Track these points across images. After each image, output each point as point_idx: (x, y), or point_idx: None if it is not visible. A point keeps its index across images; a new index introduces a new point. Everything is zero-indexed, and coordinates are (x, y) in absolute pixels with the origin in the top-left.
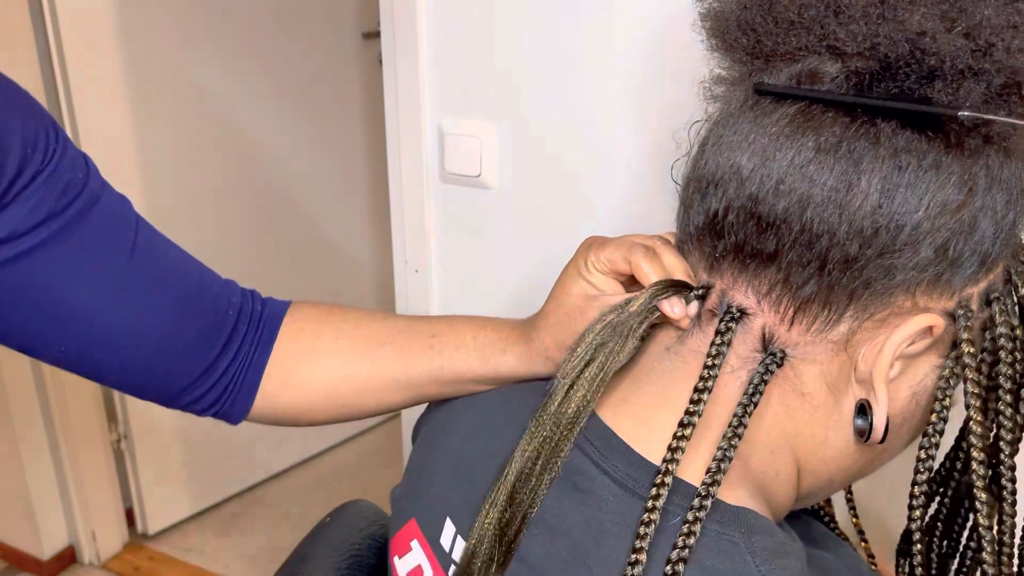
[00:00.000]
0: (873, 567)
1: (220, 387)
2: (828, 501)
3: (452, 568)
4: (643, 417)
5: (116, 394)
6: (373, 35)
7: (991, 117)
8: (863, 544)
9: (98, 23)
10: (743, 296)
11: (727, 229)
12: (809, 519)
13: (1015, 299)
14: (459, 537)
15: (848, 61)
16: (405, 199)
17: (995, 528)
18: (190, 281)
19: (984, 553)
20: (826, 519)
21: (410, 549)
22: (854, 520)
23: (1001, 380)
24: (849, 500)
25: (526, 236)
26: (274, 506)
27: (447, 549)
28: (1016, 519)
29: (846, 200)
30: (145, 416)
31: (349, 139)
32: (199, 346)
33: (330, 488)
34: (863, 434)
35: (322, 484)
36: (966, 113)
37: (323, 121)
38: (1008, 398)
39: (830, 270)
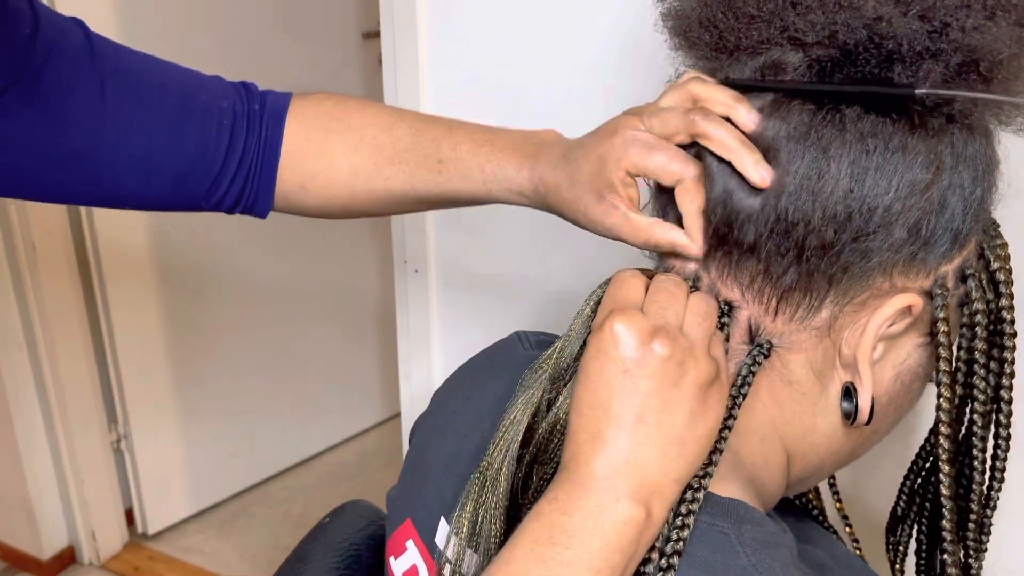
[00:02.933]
0: (858, 552)
1: (235, 191)
2: (817, 494)
3: (448, 568)
4: None
5: (116, 394)
6: (373, 35)
7: (947, 92)
8: (848, 530)
9: (99, 24)
10: (728, 289)
11: (706, 224)
12: (802, 517)
13: (989, 273)
14: (455, 536)
15: (809, 50)
16: None
17: (971, 503)
18: (171, 98)
19: (944, 521)
20: (814, 512)
21: (405, 550)
22: (838, 506)
23: (976, 355)
24: (832, 486)
25: (525, 236)
26: (274, 506)
27: (442, 548)
28: (983, 487)
29: (818, 187)
30: (145, 416)
31: None
32: (200, 159)
33: (330, 488)
34: (850, 417)
35: (322, 484)
36: (923, 90)
37: None
38: (982, 372)
39: (808, 257)
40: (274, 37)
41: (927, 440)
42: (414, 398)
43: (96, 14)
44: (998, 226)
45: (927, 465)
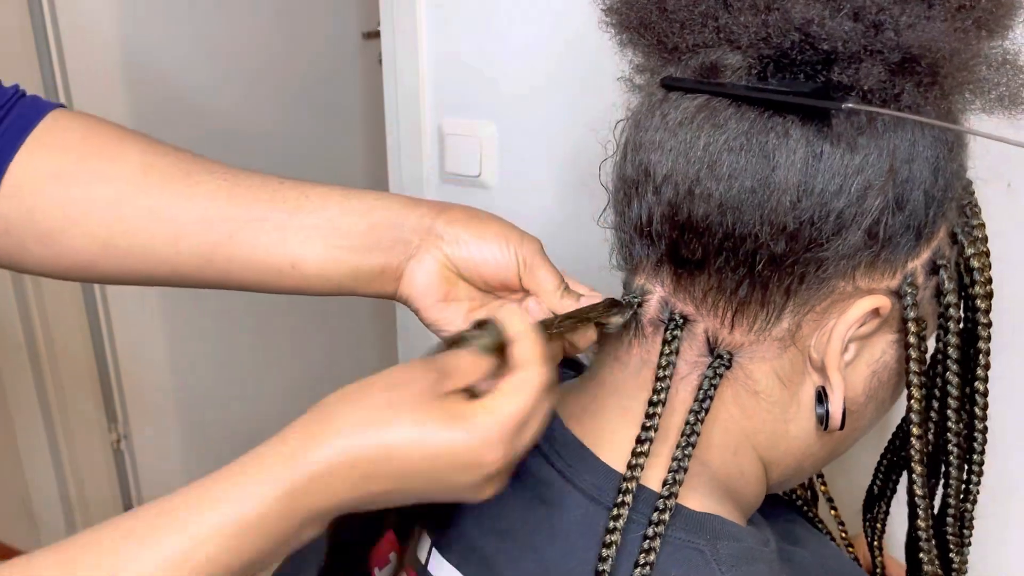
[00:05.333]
0: (843, 535)
1: None
2: (810, 483)
3: None
4: (607, 428)
5: (116, 394)
6: (373, 35)
7: (871, 109)
8: (833, 512)
9: (98, 23)
10: (682, 303)
11: (655, 236)
12: (794, 516)
13: (962, 259)
14: (435, 550)
15: (747, 52)
16: None
17: (947, 491)
18: None
19: (919, 520)
20: (799, 502)
21: (388, 562)
22: (822, 488)
23: (949, 350)
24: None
25: None
26: None
27: (423, 562)
28: (959, 481)
29: (764, 200)
30: (145, 416)
31: (349, 139)
32: None
33: None
34: (823, 421)
35: None
36: (849, 105)
37: (323, 121)
38: (955, 367)
39: (760, 271)
40: (274, 37)
41: (903, 420)
42: None
43: (97, 10)
44: (975, 205)
45: (901, 452)
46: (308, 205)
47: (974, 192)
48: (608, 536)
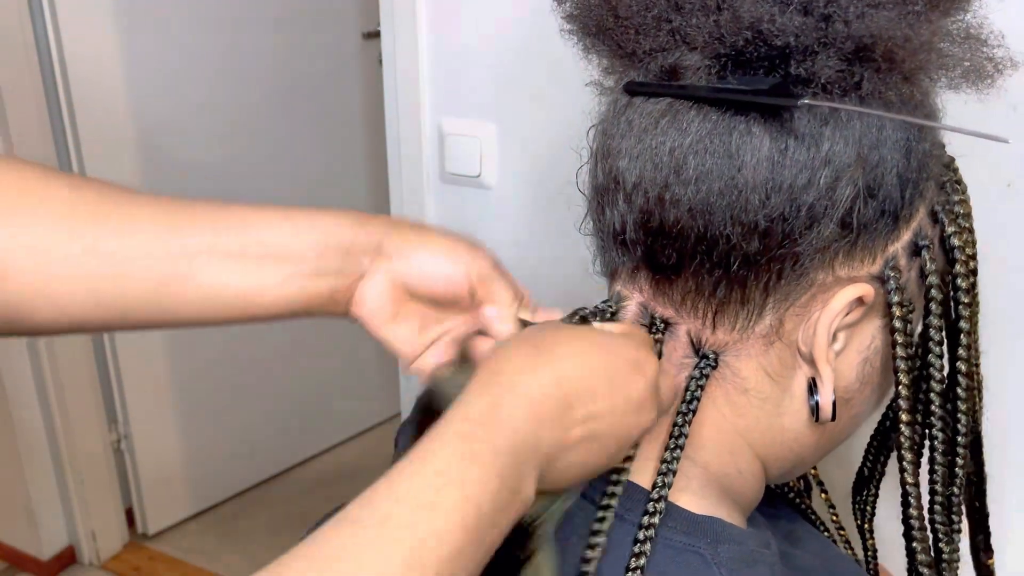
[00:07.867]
0: (834, 518)
1: None
2: (807, 489)
3: None
4: None
5: (116, 394)
6: (373, 35)
7: (830, 104)
8: (823, 496)
9: (99, 25)
10: (663, 307)
11: (629, 243)
12: (795, 517)
13: (944, 238)
14: None
15: (704, 52)
16: (405, 199)
17: (934, 478)
18: None
19: (911, 508)
20: (791, 495)
21: None
22: (813, 472)
23: (931, 332)
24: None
25: (526, 236)
26: (274, 506)
27: None
28: (946, 469)
29: (733, 200)
30: (145, 416)
31: (349, 139)
32: None
33: (330, 488)
34: (815, 412)
35: (322, 484)
36: (806, 101)
37: (323, 121)
38: (938, 349)
39: (736, 271)
40: (274, 37)
41: (892, 402)
42: (414, 398)
43: (96, 13)
44: (958, 182)
45: (891, 433)
46: (255, 232)
47: (957, 169)
48: (593, 538)
